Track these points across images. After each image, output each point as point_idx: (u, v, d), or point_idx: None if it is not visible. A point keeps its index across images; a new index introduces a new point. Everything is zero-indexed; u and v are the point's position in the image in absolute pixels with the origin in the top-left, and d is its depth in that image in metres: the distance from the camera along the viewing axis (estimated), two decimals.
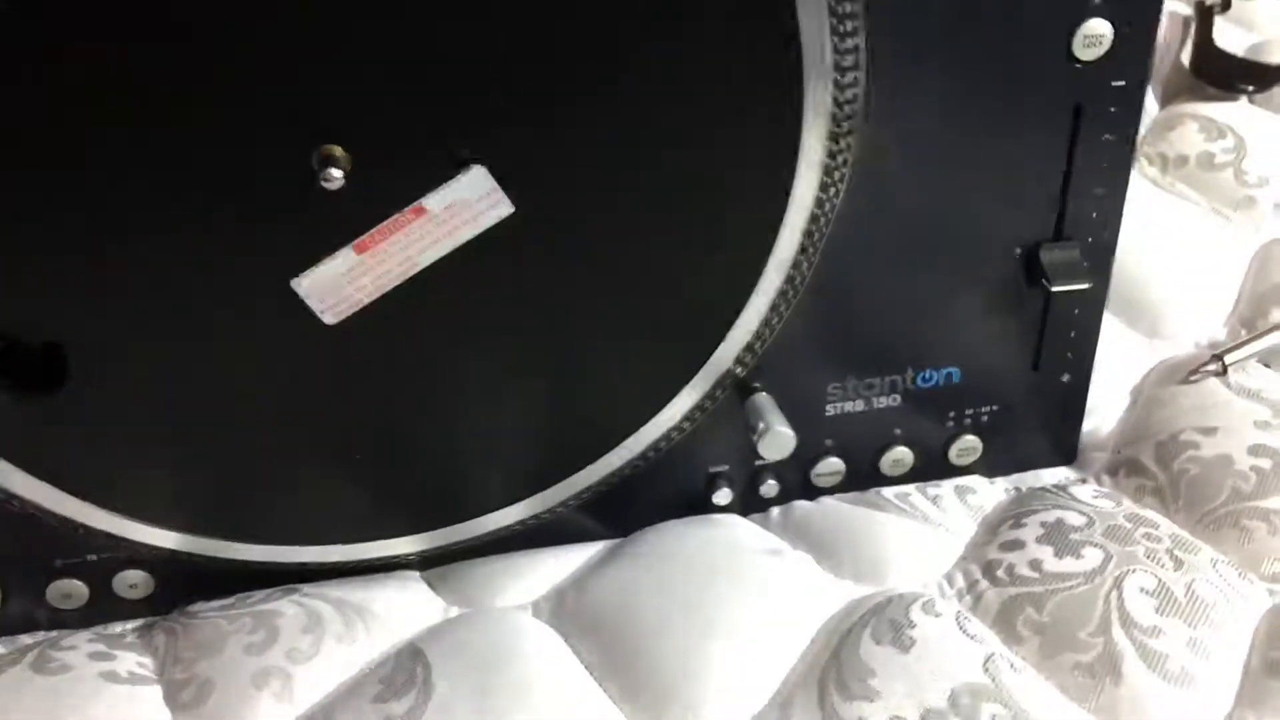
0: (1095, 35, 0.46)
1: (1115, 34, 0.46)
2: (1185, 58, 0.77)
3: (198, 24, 0.36)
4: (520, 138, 0.40)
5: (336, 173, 0.37)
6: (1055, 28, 0.46)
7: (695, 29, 0.39)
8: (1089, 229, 0.51)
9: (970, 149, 0.47)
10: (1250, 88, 0.74)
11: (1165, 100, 0.76)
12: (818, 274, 0.47)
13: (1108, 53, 0.46)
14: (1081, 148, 0.49)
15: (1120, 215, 0.51)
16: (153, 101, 0.37)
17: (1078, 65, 0.46)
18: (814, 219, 0.45)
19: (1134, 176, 0.68)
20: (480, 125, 0.40)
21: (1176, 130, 0.71)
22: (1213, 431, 0.54)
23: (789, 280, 0.46)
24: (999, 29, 0.45)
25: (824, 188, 0.44)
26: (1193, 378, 0.57)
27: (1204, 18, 0.78)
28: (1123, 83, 0.47)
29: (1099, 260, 0.51)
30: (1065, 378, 0.54)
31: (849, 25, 0.41)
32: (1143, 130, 0.73)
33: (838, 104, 0.42)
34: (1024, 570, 0.48)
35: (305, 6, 0.36)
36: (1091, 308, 0.53)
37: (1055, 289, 0.50)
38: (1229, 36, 0.80)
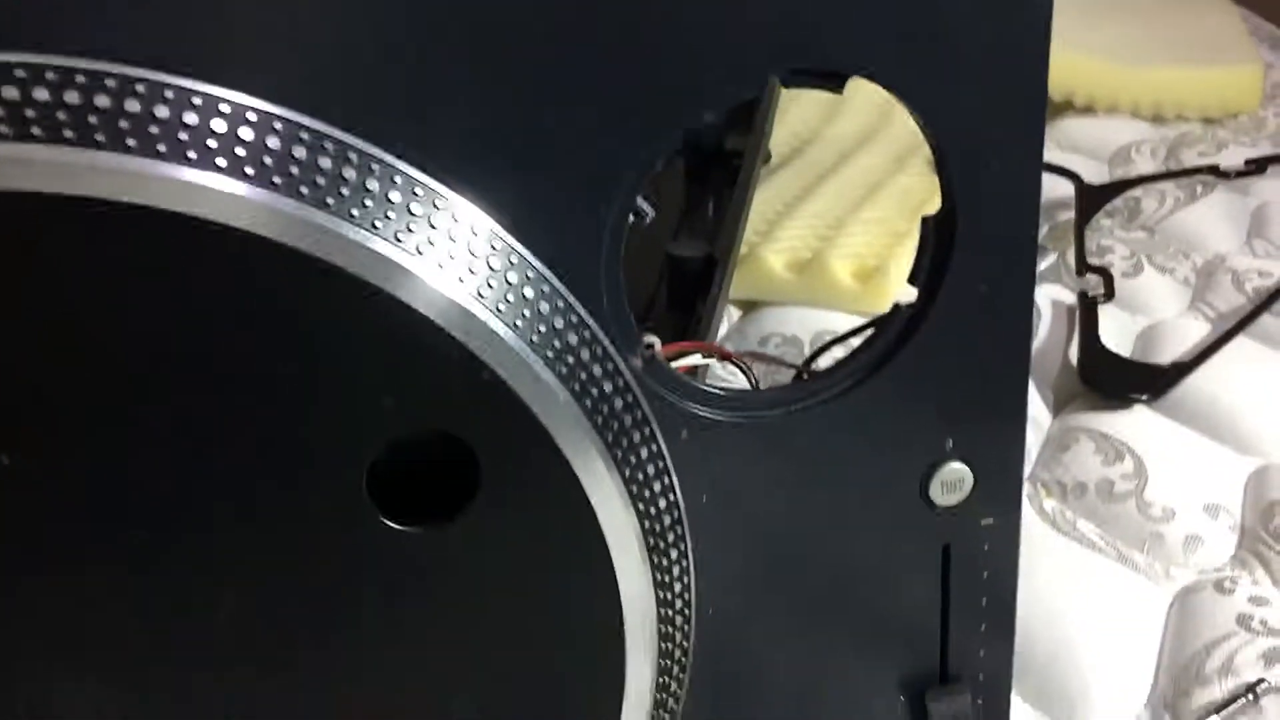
0: (954, 481, 0.41)
1: (975, 475, 0.41)
2: (1074, 354, 0.73)
3: None
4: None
5: None
6: (908, 475, 0.41)
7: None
8: (977, 665, 0.45)
9: (840, 602, 0.42)
10: (1144, 396, 0.69)
11: (1057, 408, 0.71)
12: None
13: (971, 494, 0.41)
14: (957, 588, 0.43)
15: (1011, 649, 0.45)
16: None
17: (937, 513, 0.41)
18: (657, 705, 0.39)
19: (1031, 514, 0.64)
20: None
21: (1071, 450, 0.66)
22: None
23: None
24: (851, 473, 0.40)
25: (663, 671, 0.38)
26: None
27: (1088, 313, 0.74)
28: (991, 520, 0.42)
29: (993, 703, 0.45)
30: None
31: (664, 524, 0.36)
32: (1037, 449, 0.68)
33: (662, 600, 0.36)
34: None
35: None
36: None
37: None
38: (1116, 323, 0.76)
